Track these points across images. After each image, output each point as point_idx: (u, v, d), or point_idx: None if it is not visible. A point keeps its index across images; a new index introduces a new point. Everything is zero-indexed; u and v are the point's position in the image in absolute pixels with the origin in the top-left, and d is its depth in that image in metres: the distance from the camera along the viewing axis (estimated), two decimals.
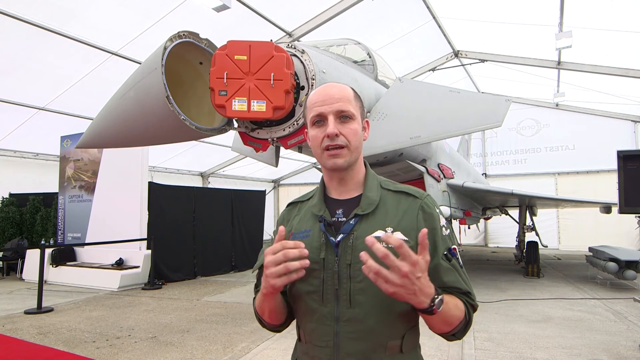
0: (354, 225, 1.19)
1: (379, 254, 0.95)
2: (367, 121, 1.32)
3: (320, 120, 1.23)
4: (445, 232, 1.22)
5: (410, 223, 1.19)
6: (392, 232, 1.17)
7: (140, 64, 4.29)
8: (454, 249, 1.22)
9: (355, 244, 1.17)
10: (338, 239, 1.18)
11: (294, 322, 1.36)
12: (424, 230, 0.98)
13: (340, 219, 1.23)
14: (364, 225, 1.19)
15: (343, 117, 1.21)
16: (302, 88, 4.11)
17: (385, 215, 1.20)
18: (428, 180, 6.73)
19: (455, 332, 1.17)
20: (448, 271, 1.18)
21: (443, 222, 1.23)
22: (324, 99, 1.23)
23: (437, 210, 1.24)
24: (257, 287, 1.38)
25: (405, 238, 1.16)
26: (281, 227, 1.11)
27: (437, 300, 1.02)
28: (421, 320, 1.20)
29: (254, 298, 1.39)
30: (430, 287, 1.01)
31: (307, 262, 1.05)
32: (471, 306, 1.20)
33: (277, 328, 1.34)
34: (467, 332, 1.22)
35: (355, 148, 1.22)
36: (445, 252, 1.19)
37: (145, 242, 8.90)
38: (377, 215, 1.20)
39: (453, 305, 1.12)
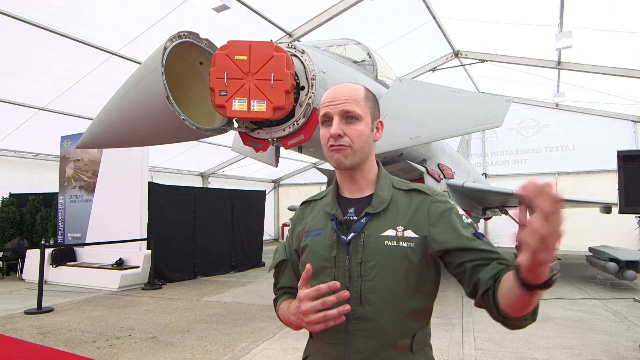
0: (365, 223, 1.20)
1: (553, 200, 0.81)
2: (380, 121, 1.31)
3: (327, 120, 1.24)
4: (467, 220, 1.20)
5: (421, 220, 1.19)
6: (403, 230, 1.17)
7: (140, 64, 4.29)
8: (480, 233, 1.19)
9: (366, 242, 1.18)
10: (349, 238, 1.19)
11: None
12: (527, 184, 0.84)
13: (351, 218, 1.24)
14: (375, 224, 1.19)
15: (349, 117, 1.22)
16: (302, 88, 4.11)
17: (397, 214, 1.20)
18: (428, 180, 6.73)
19: (530, 312, 1.02)
20: (486, 245, 1.14)
21: (461, 211, 1.22)
22: (331, 99, 1.24)
23: (453, 202, 1.23)
24: (276, 286, 1.41)
25: (416, 235, 1.16)
26: (308, 266, 1.10)
27: (555, 268, 0.89)
28: (433, 322, 1.19)
29: (275, 299, 1.41)
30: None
31: (347, 307, 1.04)
32: None
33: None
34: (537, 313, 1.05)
35: (360, 149, 1.22)
36: (474, 232, 1.16)
37: (145, 242, 8.90)
38: (388, 214, 1.20)
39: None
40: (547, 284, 0.89)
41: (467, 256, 1.13)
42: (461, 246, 1.14)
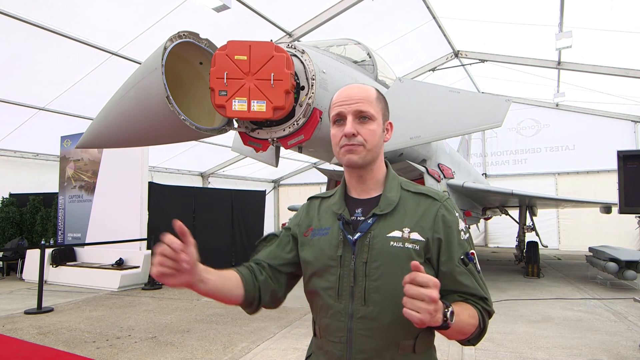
0: (372, 224, 1.21)
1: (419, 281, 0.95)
2: (390, 123, 1.32)
3: (340, 119, 1.25)
4: (464, 236, 1.22)
5: (427, 224, 1.20)
6: (409, 232, 1.18)
7: (140, 64, 4.29)
8: (472, 253, 1.21)
9: (372, 242, 1.18)
10: (355, 237, 1.20)
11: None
12: (415, 263, 0.97)
13: (358, 218, 1.25)
14: (381, 225, 1.20)
15: (362, 117, 1.23)
16: (302, 88, 4.11)
17: (404, 215, 1.21)
18: (428, 180, 6.72)
19: (470, 338, 1.17)
20: (464, 276, 1.18)
21: (462, 226, 1.23)
22: (344, 99, 1.25)
23: (457, 214, 1.24)
24: (252, 257, 1.41)
25: (422, 238, 1.17)
26: (179, 224, 1.05)
27: (448, 313, 1.02)
28: None
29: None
30: (439, 302, 1.01)
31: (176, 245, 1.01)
32: (487, 312, 1.21)
33: (245, 310, 1.34)
34: (482, 338, 1.22)
35: (373, 148, 1.23)
36: (462, 257, 1.19)
37: (145, 242, 8.90)
38: (395, 216, 1.21)
39: (466, 315, 1.12)
40: (443, 327, 1.02)
41: (444, 279, 1.18)
42: (444, 270, 1.19)
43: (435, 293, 0.94)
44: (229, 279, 1.24)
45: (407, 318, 0.96)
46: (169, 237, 1.02)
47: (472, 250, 1.22)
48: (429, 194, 1.26)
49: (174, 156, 14.38)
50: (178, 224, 1.04)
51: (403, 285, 0.96)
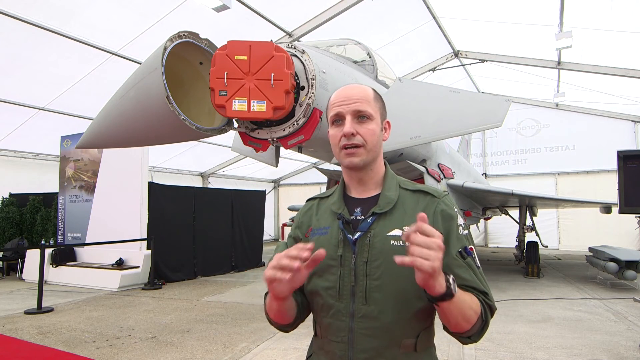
0: (372, 223, 1.21)
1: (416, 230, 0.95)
2: (388, 122, 1.33)
3: (338, 119, 1.25)
4: (463, 231, 1.22)
5: (427, 221, 1.19)
6: None
7: (140, 64, 4.29)
8: (471, 248, 1.21)
9: (373, 241, 1.18)
10: (355, 237, 1.20)
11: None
12: (422, 214, 0.97)
13: (358, 217, 1.25)
14: (381, 224, 1.20)
15: (361, 117, 1.23)
16: (302, 88, 4.11)
17: (403, 214, 1.21)
18: (428, 180, 6.72)
19: (472, 332, 1.14)
20: (462, 269, 1.17)
21: (461, 221, 1.23)
22: (343, 99, 1.25)
23: (456, 210, 1.24)
24: None
25: None
26: (320, 251, 1.07)
27: (450, 279, 1.01)
28: (437, 321, 1.19)
29: (266, 293, 1.39)
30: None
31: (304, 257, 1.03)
32: (488, 306, 1.18)
33: (284, 328, 1.34)
34: (484, 335, 1.19)
35: (372, 147, 1.24)
36: (460, 250, 1.18)
37: (145, 242, 8.90)
38: (394, 214, 1.21)
39: (467, 297, 1.10)
40: (442, 297, 1.00)
41: None
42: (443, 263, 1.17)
43: (441, 242, 0.94)
44: (290, 299, 1.26)
45: (417, 268, 0.94)
46: (303, 248, 1.04)
47: (472, 246, 1.22)
48: (428, 191, 1.26)
49: (174, 156, 14.39)
50: (321, 252, 1.07)
51: (406, 240, 0.96)
